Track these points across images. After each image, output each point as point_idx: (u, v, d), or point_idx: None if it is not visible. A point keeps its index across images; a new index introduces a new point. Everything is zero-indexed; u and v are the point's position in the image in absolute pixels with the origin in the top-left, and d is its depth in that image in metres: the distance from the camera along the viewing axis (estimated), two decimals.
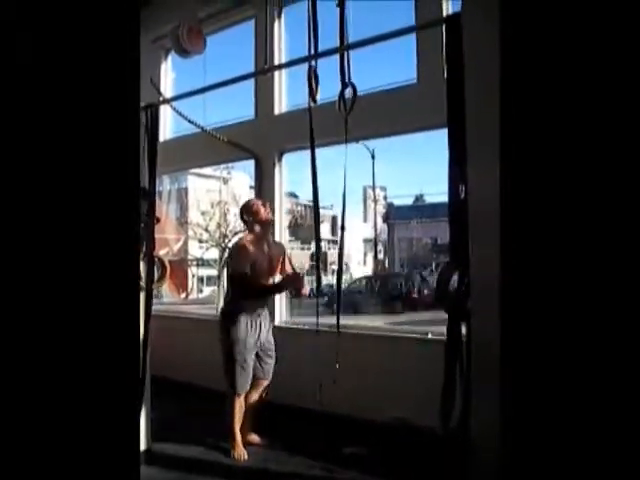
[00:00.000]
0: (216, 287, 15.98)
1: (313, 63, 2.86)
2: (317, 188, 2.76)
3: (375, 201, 22.96)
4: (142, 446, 3.27)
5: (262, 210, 3.51)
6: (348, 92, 2.94)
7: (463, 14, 2.05)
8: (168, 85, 5.84)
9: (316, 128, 2.77)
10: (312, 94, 2.86)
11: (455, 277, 2.07)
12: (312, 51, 2.77)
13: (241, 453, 3.41)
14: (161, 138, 4.18)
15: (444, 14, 3.67)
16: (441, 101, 2.19)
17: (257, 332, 3.46)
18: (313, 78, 2.87)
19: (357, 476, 3.17)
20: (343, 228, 2.86)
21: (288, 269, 3.65)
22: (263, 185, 4.73)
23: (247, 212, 3.54)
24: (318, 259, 3.70)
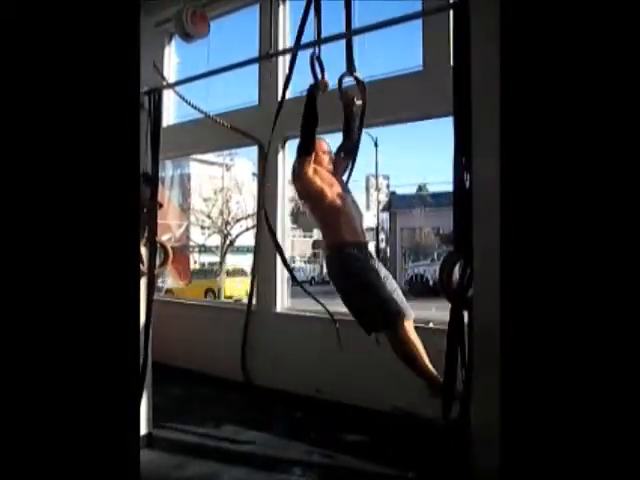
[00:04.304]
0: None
1: (316, 49, 2.84)
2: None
3: (378, 190, 22.87)
4: (143, 430, 3.30)
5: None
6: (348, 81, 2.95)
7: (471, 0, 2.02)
8: (172, 70, 5.79)
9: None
10: (320, 81, 2.85)
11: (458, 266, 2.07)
12: (316, 37, 2.77)
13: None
14: (164, 123, 4.15)
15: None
16: (447, 89, 2.17)
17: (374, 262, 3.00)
18: (317, 65, 2.86)
19: (357, 463, 3.19)
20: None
21: None
22: (266, 172, 4.71)
23: None
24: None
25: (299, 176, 2.99)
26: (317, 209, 3.07)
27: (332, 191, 2.97)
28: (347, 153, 3.18)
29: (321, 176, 2.99)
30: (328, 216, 3.02)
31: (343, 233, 2.95)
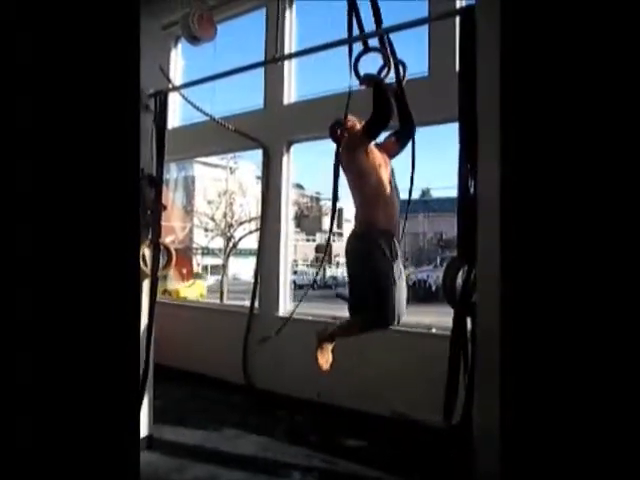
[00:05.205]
0: (220, 276, 16.00)
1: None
2: None
3: None
4: (143, 432, 3.29)
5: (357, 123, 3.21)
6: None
7: (477, 7, 2.03)
8: (178, 73, 5.82)
9: (322, 119, 2.76)
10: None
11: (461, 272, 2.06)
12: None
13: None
14: (169, 126, 4.15)
15: (457, 6, 3.64)
16: (452, 94, 2.17)
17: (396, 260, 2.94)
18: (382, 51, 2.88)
19: (357, 468, 3.18)
20: None
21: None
22: (270, 175, 4.71)
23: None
24: None
25: (358, 148, 3.02)
26: (362, 184, 3.06)
27: (381, 172, 3.02)
28: (398, 138, 3.18)
29: (375, 154, 3.04)
30: (369, 194, 3.04)
31: (377, 217, 2.97)
